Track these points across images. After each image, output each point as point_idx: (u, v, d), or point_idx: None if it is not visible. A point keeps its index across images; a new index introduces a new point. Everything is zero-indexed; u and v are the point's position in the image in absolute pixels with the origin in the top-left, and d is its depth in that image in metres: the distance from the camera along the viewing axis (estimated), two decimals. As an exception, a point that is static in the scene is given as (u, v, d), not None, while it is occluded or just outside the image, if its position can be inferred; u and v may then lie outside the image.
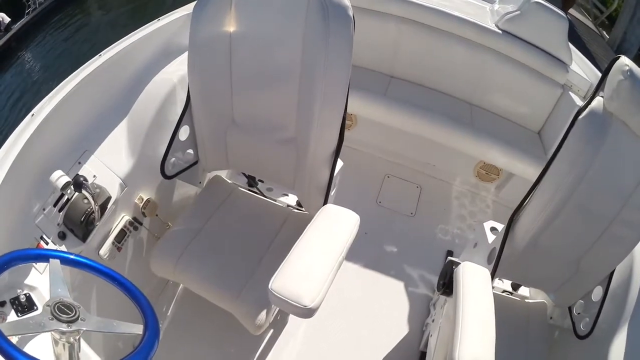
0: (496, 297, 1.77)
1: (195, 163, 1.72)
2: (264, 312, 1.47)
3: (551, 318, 1.85)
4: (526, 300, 1.92)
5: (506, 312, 1.75)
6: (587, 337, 1.57)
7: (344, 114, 1.43)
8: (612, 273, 1.58)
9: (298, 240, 1.34)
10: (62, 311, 0.91)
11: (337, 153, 1.51)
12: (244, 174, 1.97)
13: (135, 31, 1.79)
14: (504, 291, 1.98)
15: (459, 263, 1.52)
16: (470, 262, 1.51)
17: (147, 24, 1.85)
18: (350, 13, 1.32)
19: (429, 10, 2.58)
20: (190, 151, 1.69)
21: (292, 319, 1.98)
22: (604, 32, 9.62)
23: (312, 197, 1.63)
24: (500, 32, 2.56)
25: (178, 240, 1.60)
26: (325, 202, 1.60)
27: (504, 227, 1.60)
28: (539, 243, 1.53)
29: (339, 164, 1.67)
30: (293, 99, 1.48)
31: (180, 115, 1.57)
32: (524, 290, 2.02)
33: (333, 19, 1.30)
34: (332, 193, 1.77)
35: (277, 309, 1.55)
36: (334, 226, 1.42)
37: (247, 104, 1.56)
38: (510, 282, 1.98)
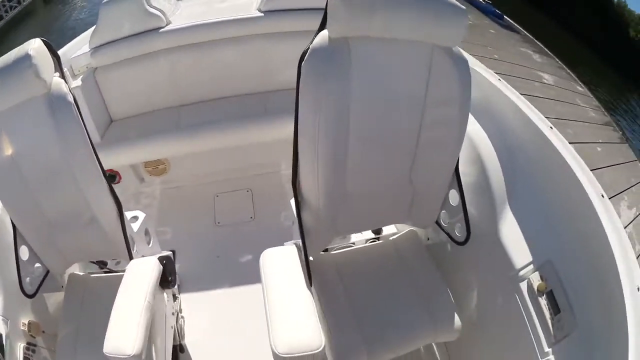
0: (359, 251, 1.87)
1: (48, 272, 1.78)
2: None
3: (428, 239, 1.88)
4: (392, 238, 1.89)
5: (376, 259, 1.79)
6: (468, 240, 1.58)
7: (106, 178, 1.60)
8: (457, 173, 1.54)
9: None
10: None
11: (120, 213, 1.67)
12: (92, 262, 2.02)
13: None
14: (367, 240, 1.98)
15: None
16: (270, 249, 1.48)
17: None
18: (70, 99, 1.48)
19: (186, 31, 2.62)
20: (38, 265, 1.74)
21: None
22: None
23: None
24: (262, 15, 2.60)
25: (67, 346, 1.67)
26: (131, 258, 1.68)
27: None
28: (347, 190, 1.46)
29: (141, 216, 1.85)
30: (71, 188, 1.58)
31: (14, 239, 1.64)
32: (390, 229, 2.03)
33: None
34: (150, 244, 1.96)
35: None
36: (134, 279, 1.48)
37: (46, 204, 1.64)
38: (365, 231, 1.95)
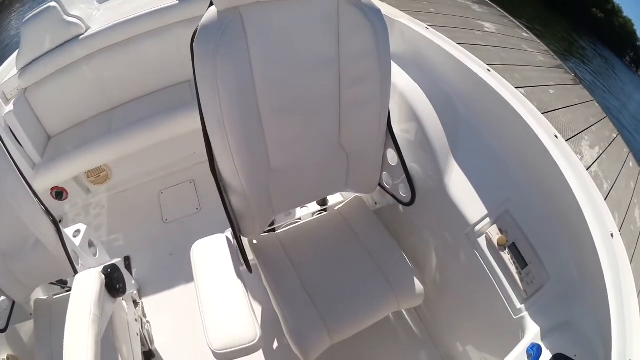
0: (307, 225, 1.84)
1: (14, 303, 1.75)
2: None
3: (376, 204, 1.87)
4: (337, 207, 1.88)
5: (327, 229, 1.78)
6: (414, 200, 1.54)
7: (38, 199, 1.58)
8: (390, 130, 1.47)
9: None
10: None
11: (56, 226, 1.65)
12: (53, 283, 2.01)
13: None
14: (314, 213, 1.98)
15: None
16: (200, 240, 1.46)
17: None
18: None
19: (103, 33, 2.60)
20: (3, 297, 1.70)
21: None
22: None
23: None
24: (177, 2, 2.60)
25: None
26: (75, 272, 1.63)
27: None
28: (272, 166, 1.40)
29: (82, 229, 1.82)
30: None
31: None
32: (336, 198, 2.01)
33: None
34: (97, 256, 1.92)
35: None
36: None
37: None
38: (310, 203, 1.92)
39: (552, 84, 5.56)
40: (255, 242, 1.74)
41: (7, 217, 1.56)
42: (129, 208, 2.81)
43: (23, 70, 2.57)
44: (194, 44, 1.17)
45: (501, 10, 7.78)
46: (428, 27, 1.71)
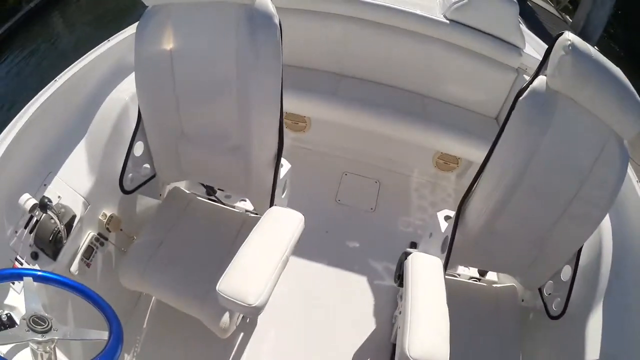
0: (462, 285, 1.89)
1: (153, 177, 1.79)
2: (227, 315, 1.54)
3: (522, 300, 1.86)
4: (494, 285, 1.93)
5: (474, 299, 1.80)
6: (560, 317, 1.58)
7: (281, 117, 1.51)
8: (579, 251, 1.58)
9: (243, 244, 1.38)
10: (36, 323, 1.01)
11: (279, 156, 1.59)
12: (202, 184, 2.04)
13: (88, 53, 1.85)
14: (471, 278, 2.00)
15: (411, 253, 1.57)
16: (418, 252, 1.53)
17: (99, 45, 1.91)
18: (276, 21, 1.39)
19: (374, 7, 2.60)
20: (147, 165, 1.75)
21: (261, 321, 2.02)
22: (567, 17, 9.62)
23: (262, 200, 1.70)
24: (447, 22, 2.57)
25: (142, 253, 1.67)
26: (271, 204, 1.66)
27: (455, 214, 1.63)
28: (496, 228, 1.54)
29: (286, 166, 1.74)
30: (233, 109, 1.54)
31: (134, 132, 1.64)
32: (492, 276, 2.05)
33: (260, 28, 1.37)
34: (283, 195, 1.84)
35: None
36: (277, 227, 1.47)
37: (193, 116, 1.63)
38: (477, 269, 2.00)
39: None
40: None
41: (224, 110, 1.54)
42: (310, 168, 2.75)
43: None
44: (520, 99, 1.35)
45: None
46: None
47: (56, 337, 1.01)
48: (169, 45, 1.49)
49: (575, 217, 1.47)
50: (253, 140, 1.55)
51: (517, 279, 1.78)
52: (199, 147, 1.68)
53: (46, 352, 1.02)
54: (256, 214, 1.98)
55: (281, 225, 1.48)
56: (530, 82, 1.36)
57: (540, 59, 2.56)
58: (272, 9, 1.39)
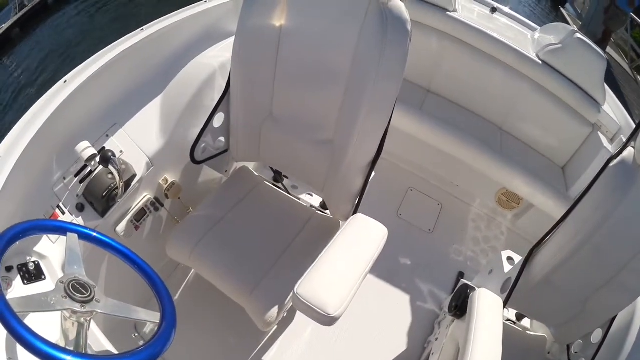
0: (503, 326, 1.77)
1: (225, 151, 1.69)
2: (275, 310, 1.44)
3: (549, 353, 1.85)
4: (527, 332, 1.93)
5: (507, 341, 1.71)
6: None
7: (387, 125, 1.39)
8: (614, 318, 1.59)
9: (327, 247, 1.32)
10: (76, 290, 0.87)
11: (373, 163, 1.47)
12: (271, 168, 1.93)
13: (181, 10, 1.75)
14: (507, 319, 1.98)
15: (474, 288, 1.56)
16: (486, 290, 1.52)
17: (195, 4, 1.81)
18: (409, 27, 1.27)
19: (473, 30, 2.59)
20: (222, 139, 1.65)
21: (298, 319, 1.95)
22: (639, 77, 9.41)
23: (341, 202, 1.60)
24: (540, 62, 2.56)
25: (198, 227, 1.57)
26: (355, 211, 1.57)
27: (522, 259, 1.62)
28: (552, 279, 1.55)
29: (372, 174, 1.62)
30: (336, 102, 1.44)
31: (218, 102, 1.54)
32: (526, 322, 2.03)
33: (391, 30, 1.26)
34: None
35: (288, 308, 1.52)
36: (364, 238, 1.41)
37: (289, 99, 1.52)
38: (515, 312, 1.99)
39: None
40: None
41: (327, 101, 1.44)
42: (378, 175, 2.71)
43: None
44: (610, 166, 1.39)
45: None
46: None
47: (98, 310, 0.87)
48: (280, 20, 1.37)
49: (621, 285, 1.49)
50: (352, 141, 1.41)
51: (551, 330, 1.82)
52: (285, 131, 1.57)
53: (79, 322, 0.88)
54: (324, 211, 1.87)
55: (368, 236, 1.42)
56: (621, 151, 1.40)
57: (615, 119, 2.55)
58: (406, 14, 1.26)
